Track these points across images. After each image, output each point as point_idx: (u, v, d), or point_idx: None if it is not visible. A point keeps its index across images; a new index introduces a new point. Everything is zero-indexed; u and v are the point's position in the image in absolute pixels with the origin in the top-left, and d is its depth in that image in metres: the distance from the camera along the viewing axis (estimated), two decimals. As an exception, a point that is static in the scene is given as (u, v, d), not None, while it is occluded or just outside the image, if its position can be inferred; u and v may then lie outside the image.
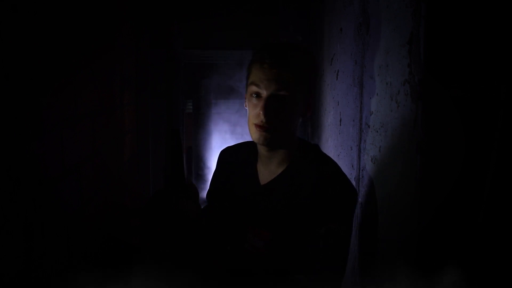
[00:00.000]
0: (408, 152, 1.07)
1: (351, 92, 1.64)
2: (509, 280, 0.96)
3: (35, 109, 1.06)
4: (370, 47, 1.39)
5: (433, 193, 1.00)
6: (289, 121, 1.15)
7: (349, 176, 1.58)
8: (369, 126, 1.41)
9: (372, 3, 1.38)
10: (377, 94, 1.32)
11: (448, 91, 0.97)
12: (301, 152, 1.23)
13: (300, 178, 1.18)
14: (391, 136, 1.21)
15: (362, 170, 1.50)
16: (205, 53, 3.53)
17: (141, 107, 2.59)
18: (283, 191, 1.19)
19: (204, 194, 1.46)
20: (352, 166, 1.61)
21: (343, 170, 1.24)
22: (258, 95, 1.13)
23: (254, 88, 1.13)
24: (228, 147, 1.41)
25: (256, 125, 1.14)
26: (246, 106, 1.19)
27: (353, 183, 1.56)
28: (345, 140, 1.74)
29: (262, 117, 1.11)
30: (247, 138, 1.28)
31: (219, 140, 3.64)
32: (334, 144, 1.98)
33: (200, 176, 3.66)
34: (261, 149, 1.22)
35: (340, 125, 1.85)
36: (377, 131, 1.32)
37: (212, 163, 3.57)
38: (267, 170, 1.23)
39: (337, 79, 1.92)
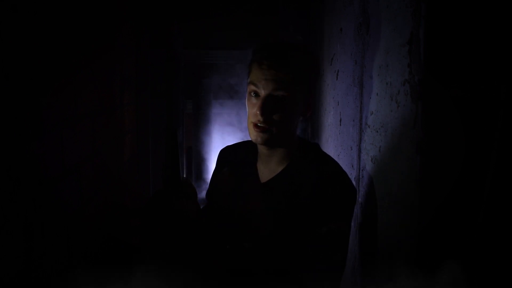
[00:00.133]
0: (408, 152, 1.07)
1: (351, 92, 1.64)
2: (509, 280, 0.96)
3: (35, 109, 1.06)
4: (370, 47, 1.39)
5: (433, 193, 1.00)
6: (287, 121, 1.15)
7: (349, 176, 1.59)
8: (369, 126, 1.41)
9: (372, 3, 1.38)
10: (377, 94, 1.32)
11: (448, 91, 0.97)
12: (301, 151, 1.23)
13: (300, 177, 1.18)
14: (391, 136, 1.21)
15: (362, 170, 1.50)
16: (205, 53, 3.53)
17: (141, 107, 2.59)
18: (283, 190, 1.19)
19: (204, 194, 1.46)
20: (352, 166, 1.61)
21: (343, 169, 1.24)
22: (256, 94, 1.14)
23: (252, 88, 1.14)
24: (227, 146, 1.41)
25: (254, 125, 1.14)
26: (246, 105, 1.19)
27: (353, 183, 1.56)
28: (345, 140, 1.74)
29: (259, 116, 1.11)
30: (247, 138, 1.28)
31: (219, 140, 3.64)
32: (334, 144, 1.98)
33: (200, 176, 3.66)
34: (261, 148, 1.22)
35: (340, 125, 1.85)
36: (377, 131, 1.32)
37: (212, 163, 3.57)
38: (267, 169, 1.24)
39: (337, 79, 1.92)
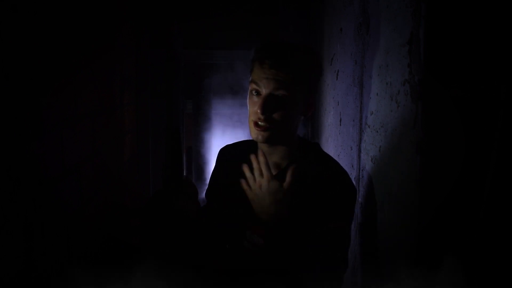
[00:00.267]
0: (408, 152, 1.07)
1: (351, 92, 1.64)
2: (509, 280, 0.96)
3: (35, 109, 1.06)
4: (370, 47, 1.39)
5: (433, 193, 1.00)
6: (288, 120, 1.15)
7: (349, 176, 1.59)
8: (369, 126, 1.41)
9: (372, 3, 1.38)
10: (377, 94, 1.32)
11: (448, 91, 0.97)
12: (301, 151, 1.23)
13: (301, 176, 1.18)
14: (391, 136, 1.21)
15: (362, 170, 1.50)
16: (205, 53, 3.53)
17: (141, 107, 2.59)
18: None
19: (204, 194, 1.46)
20: (352, 166, 1.61)
21: (343, 168, 1.24)
22: (258, 93, 1.14)
23: (254, 86, 1.14)
24: (227, 145, 1.41)
25: (255, 123, 1.14)
26: (247, 103, 1.20)
27: (353, 183, 1.56)
28: (345, 140, 1.74)
29: (260, 115, 1.12)
30: (248, 137, 1.28)
31: (219, 140, 3.64)
32: (334, 144, 1.98)
33: (200, 175, 3.66)
34: (261, 147, 1.22)
35: (340, 125, 1.85)
36: (377, 131, 1.32)
37: (212, 163, 3.57)
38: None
39: (337, 79, 1.92)
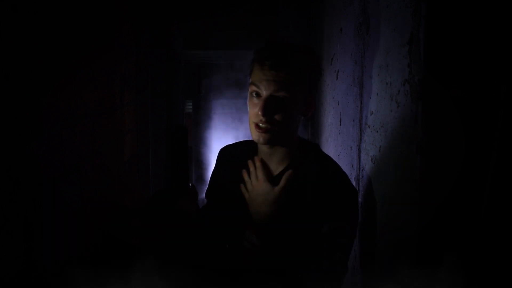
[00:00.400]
0: (408, 152, 1.07)
1: (351, 92, 1.64)
2: (509, 280, 0.96)
3: (35, 109, 1.06)
4: (370, 47, 1.39)
5: (433, 193, 1.00)
6: (288, 121, 1.15)
7: (349, 176, 1.59)
8: (369, 126, 1.41)
9: (372, 3, 1.38)
10: (377, 94, 1.32)
11: (448, 91, 0.97)
12: (301, 151, 1.23)
13: (301, 177, 1.19)
14: (391, 136, 1.21)
15: (362, 170, 1.50)
16: (205, 53, 3.53)
17: (141, 107, 2.59)
18: None
19: (204, 194, 1.46)
20: (352, 166, 1.61)
21: (343, 170, 1.24)
22: (258, 95, 1.14)
23: (254, 88, 1.14)
24: (227, 145, 1.41)
25: (256, 125, 1.14)
26: (248, 105, 1.19)
27: (353, 183, 1.56)
28: (345, 140, 1.75)
29: (261, 117, 1.12)
30: (248, 137, 1.28)
31: (219, 140, 3.64)
32: (334, 144, 1.98)
33: (200, 176, 3.66)
34: (261, 147, 1.22)
35: (340, 125, 1.85)
36: (377, 131, 1.32)
37: (212, 162, 3.57)
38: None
39: (337, 79, 1.92)
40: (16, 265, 0.96)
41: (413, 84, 1.04)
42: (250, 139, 1.22)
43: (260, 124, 1.13)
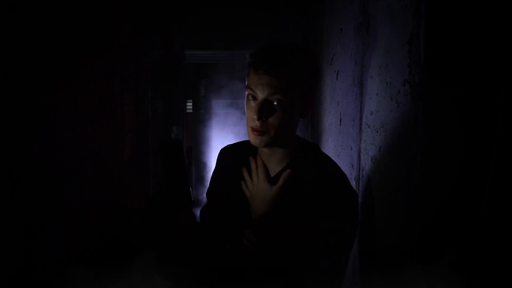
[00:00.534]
0: (408, 152, 1.07)
1: (351, 92, 1.64)
2: (509, 279, 0.96)
3: (35, 109, 1.06)
4: (370, 47, 1.39)
5: (433, 193, 1.00)
6: (286, 123, 1.15)
7: (349, 176, 1.59)
8: (369, 126, 1.41)
9: (372, 3, 1.38)
10: (377, 94, 1.32)
11: (448, 91, 0.97)
12: (301, 152, 1.23)
13: (300, 177, 1.19)
14: (391, 136, 1.21)
15: (362, 170, 1.50)
16: (205, 53, 3.53)
17: (141, 107, 2.59)
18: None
19: (204, 194, 1.46)
20: (352, 166, 1.61)
21: (343, 170, 1.24)
22: (254, 98, 1.14)
23: (250, 91, 1.14)
24: (227, 146, 1.41)
25: (252, 129, 1.14)
26: (245, 108, 1.19)
27: (353, 183, 1.56)
28: (345, 140, 1.75)
29: (256, 121, 1.12)
30: (247, 137, 1.28)
31: (219, 140, 3.64)
32: (334, 144, 1.98)
33: (201, 175, 3.66)
34: (261, 149, 1.22)
35: (340, 125, 1.85)
36: (377, 131, 1.32)
37: (212, 163, 3.57)
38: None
39: (337, 79, 1.92)
40: (16, 265, 0.96)
41: (413, 84, 1.04)
42: (250, 139, 1.23)
43: (256, 128, 1.14)
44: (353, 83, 1.60)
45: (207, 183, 1.42)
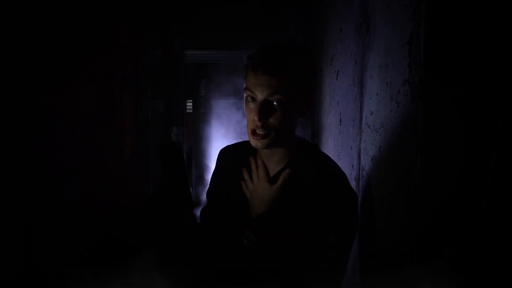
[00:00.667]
0: (408, 152, 1.07)
1: (351, 92, 1.64)
2: (509, 279, 0.96)
3: (35, 109, 1.06)
4: (370, 47, 1.39)
5: (433, 193, 1.00)
6: (286, 123, 1.15)
7: (349, 176, 1.59)
8: (369, 126, 1.41)
9: (372, 3, 1.38)
10: (377, 94, 1.32)
11: (448, 91, 0.97)
12: (300, 151, 1.23)
13: (300, 177, 1.19)
14: (391, 136, 1.21)
15: (362, 170, 1.50)
16: (205, 53, 3.53)
17: (141, 107, 2.59)
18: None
19: (204, 194, 1.46)
20: (352, 166, 1.61)
21: (343, 170, 1.24)
22: (253, 99, 1.14)
23: (249, 93, 1.14)
24: (227, 146, 1.41)
25: (252, 132, 1.14)
26: (244, 110, 1.19)
27: (353, 183, 1.56)
28: (345, 140, 1.75)
29: (257, 122, 1.12)
30: (247, 137, 1.28)
31: (219, 140, 3.64)
32: (334, 144, 1.98)
33: (201, 175, 3.66)
34: (260, 150, 1.22)
35: (340, 125, 1.85)
36: (377, 131, 1.32)
37: (212, 163, 3.56)
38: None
39: (337, 79, 1.92)
40: (16, 265, 0.96)
41: (413, 84, 1.04)
42: (250, 139, 1.22)
43: (257, 131, 1.14)
44: (353, 83, 1.60)
45: (207, 183, 1.42)
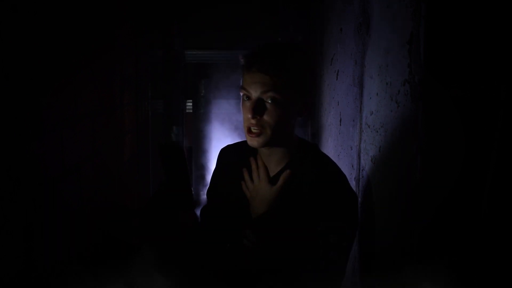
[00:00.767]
0: (408, 152, 1.07)
1: (351, 92, 1.64)
2: (509, 279, 0.96)
3: (35, 109, 1.06)
4: (370, 47, 1.39)
5: (433, 193, 1.00)
6: (281, 122, 1.15)
7: (349, 176, 1.59)
8: (369, 126, 1.41)
9: (372, 3, 1.38)
10: (377, 94, 1.32)
11: (448, 91, 0.97)
12: (300, 152, 1.23)
13: (300, 177, 1.19)
14: (391, 136, 1.21)
15: (362, 170, 1.50)
16: (205, 53, 3.53)
17: (141, 107, 2.59)
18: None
19: (204, 194, 1.46)
20: (352, 166, 1.61)
21: (343, 170, 1.24)
22: (249, 98, 1.14)
23: (244, 92, 1.15)
24: (228, 145, 1.41)
25: (248, 130, 1.15)
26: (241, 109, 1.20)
27: (353, 183, 1.56)
28: (345, 140, 1.75)
29: (251, 119, 1.12)
30: (247, 137, 1.28)
31: (219, 140, 3.64)
32: (334, 144, 1.98)
33: (200, 176, 3.66)
34: (260, 148, 1.22)
35: (340, 125, 1.85)
36: (377, 131, 1.32)
37: (212, 163, 3.56)
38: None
39: (337, 79, 1.92)
40: (16, 265, 0.96)
41: (413, 84, 1.04)
42: (250, 139, 1.23)
43: (252, 129, 1.14)
44: (353, 83, 1.60)
45: (207, 183, 1.42)
